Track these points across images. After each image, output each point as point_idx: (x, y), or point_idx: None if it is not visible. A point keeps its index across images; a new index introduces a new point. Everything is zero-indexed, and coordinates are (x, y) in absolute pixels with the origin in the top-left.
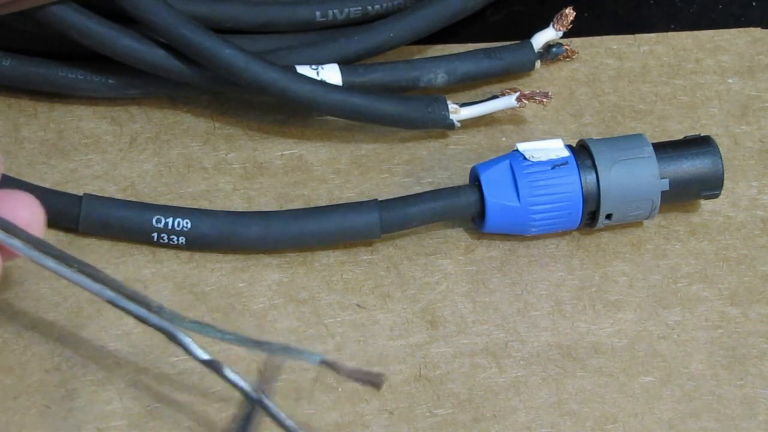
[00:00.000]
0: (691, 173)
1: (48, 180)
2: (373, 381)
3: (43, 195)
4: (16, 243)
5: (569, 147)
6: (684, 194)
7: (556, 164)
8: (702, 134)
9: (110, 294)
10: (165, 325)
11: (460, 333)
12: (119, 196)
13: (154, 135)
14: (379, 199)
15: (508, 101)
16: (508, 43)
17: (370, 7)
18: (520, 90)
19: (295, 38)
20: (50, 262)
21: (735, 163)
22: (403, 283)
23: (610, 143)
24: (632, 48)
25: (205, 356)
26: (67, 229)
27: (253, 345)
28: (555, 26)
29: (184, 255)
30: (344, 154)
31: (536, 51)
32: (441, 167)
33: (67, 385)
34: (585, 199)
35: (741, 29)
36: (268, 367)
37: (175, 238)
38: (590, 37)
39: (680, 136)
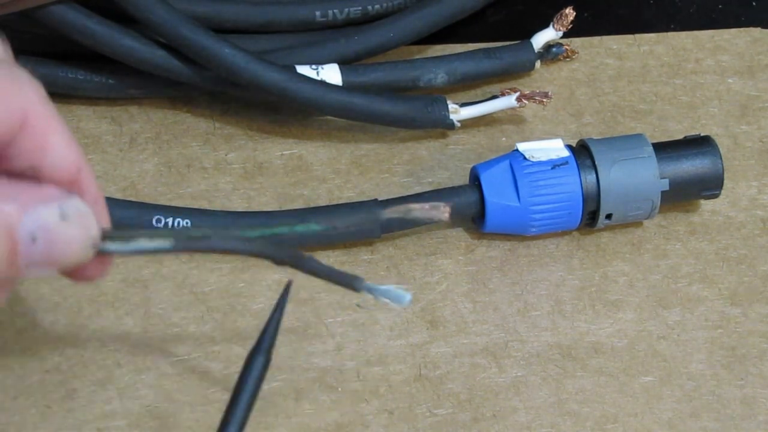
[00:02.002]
0: (691, 173)
1: None
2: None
3: None
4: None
5: (569, 147)
6: (684, 194)
7: (556, 164)
8: (702, 134)
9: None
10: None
11: (460, 333)
12: (119, 196)
13: (154, 135)
14: (379, 199)
15: (508, 101)
16: (508, 43)
17: (370, 7)
18: (520, 90)
19: (295, 38)
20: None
21: (735, 163)
22: (403, 283)
23: (610, 143)
24: (632, 48)
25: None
26: None
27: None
28: (555, 26)
29: (184, 255)
30: (344, 154)
31: (536, 51)
32: (441, 167)
33: (67, 385)
34: (585, 199)
35: (741, 29)
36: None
37: None
38: (590, 37)
39: (680, 136)
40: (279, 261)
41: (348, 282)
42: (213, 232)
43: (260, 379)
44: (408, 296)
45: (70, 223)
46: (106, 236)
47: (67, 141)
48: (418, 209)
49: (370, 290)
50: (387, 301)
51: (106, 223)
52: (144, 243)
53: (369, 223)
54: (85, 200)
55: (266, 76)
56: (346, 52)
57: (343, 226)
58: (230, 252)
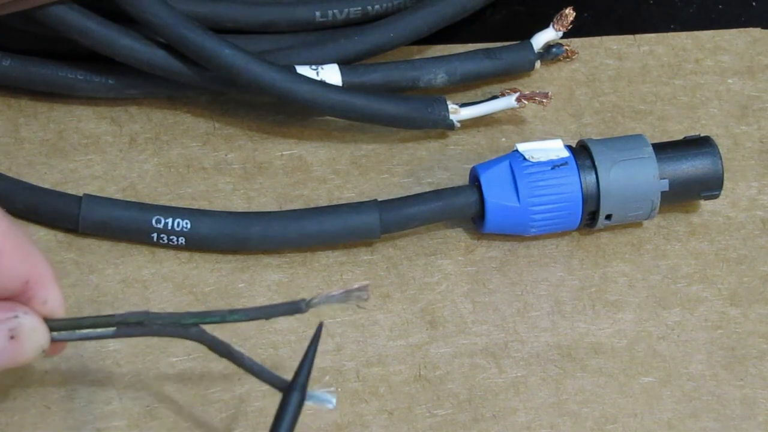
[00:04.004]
0: (691, 174)
1: (48, 180)
2: (360, 295)
3: (43, 195)
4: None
5: (569, 147)
6: (684, 195)
7: (555, 165)
8: (702, 134)
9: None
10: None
11: (459, 333)
12: (119, 196)
13: (154, 135)
14: (379, 199)
15: (508, 101)
16: (508, 43)
17: (370, 7)
18: (520, 90)
19: (295, 38)
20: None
21: (735, 164)
22: (403, 284)
23: (609, 143)
24: (632, 48)
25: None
26: (67, 230)
27: (255, 314)
28: (555, 26)
29: (184, 255)
30: (344, 154)
31: (536, 51)
32: (441, 167)
33: (67, 385)
34: (585, 200)
35: (741, 29)
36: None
37: (175, 238)
38: (590, 37)
39: (680, 136)
40: (213, 349)
41: (276, 382)
42: (151, 317)
43: (296, 414)
44: (333, 399)
45: (18, 339)
46: (55, 328)
47: (19, 257)
48: (341, 293)
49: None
50: (313, 404)
51: (60, 312)
52: (89, 331)
53: (369, 224)
54: (34, 305)
55: (266, 76)
56: (346, 52)
57: (344, 226)
58: (168, 336)
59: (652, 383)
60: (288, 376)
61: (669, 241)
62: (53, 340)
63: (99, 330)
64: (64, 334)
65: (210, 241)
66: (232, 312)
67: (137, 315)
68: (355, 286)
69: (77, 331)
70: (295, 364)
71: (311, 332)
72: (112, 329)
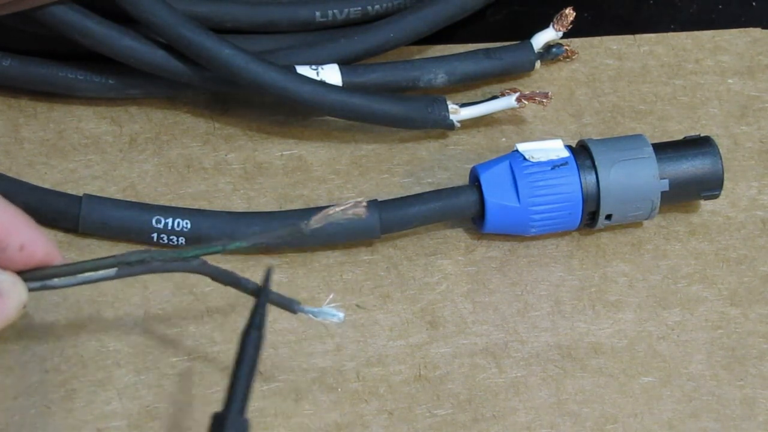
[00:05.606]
0: (691, 174)
1: (48, 180)
2: (357, 211)
3: (43, 195)
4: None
5: (569, 147)
6: (684, 195)
7: (555, 165)
8: (702, 134)
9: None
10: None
11: (459, 333)
12: (119, 196)
13: (154, 135)
14: (379, 199)
15: (508, 101)
16: (508, 43)
17: (370, 7)
18: (520, 90)
19: (295, 38)
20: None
21: (735, 164)
22: (403, 284)
23: (610, 144)
24: (632, 48)
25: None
26: (67, 230)
27: (256, 239)
28: (555, 26)
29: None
30: (344, 154)
31: (536, 51)
32: (441, 167)
33: (67, 385)
34: (585, 200)
35: (741, 29)
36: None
37: (175, 238)
38: (590, 37)
39: (680, 137)
40: (217, 279)
41: (285, 304)
42: (153, 255)
43: (257, 354)
44: (341, 314)
45: (3, 297)
46: (54, 274)
47: None
48: (338, 210)
49: (306, 311)
50: (322, 319)
51: (43, 251)
52: (90, 275)
53: (369, 223)
54: (10, 255)
55: (266, 76)
56: (346, 52)
57: (343, 226)
58: (170, 271)
59: (652, 383)
60: (287, 376)
61: (669, 241)
62: (54, 288)
63: (100, 272)
64: (64, 280)
65: (210, 241)
66: (233, 241)
67: (138, 254)
68: (351, 203)
69: (78, 276)
70: (295, 364)
71: (312, 332)
72: (113, 270)
